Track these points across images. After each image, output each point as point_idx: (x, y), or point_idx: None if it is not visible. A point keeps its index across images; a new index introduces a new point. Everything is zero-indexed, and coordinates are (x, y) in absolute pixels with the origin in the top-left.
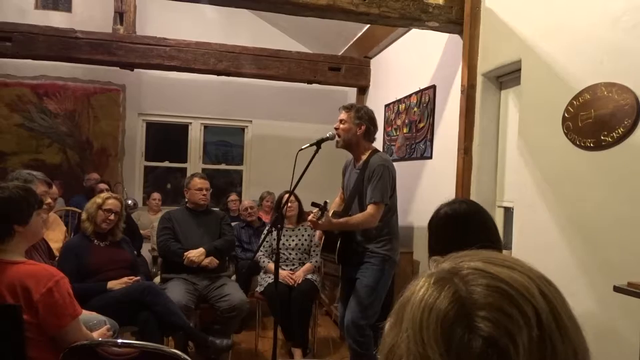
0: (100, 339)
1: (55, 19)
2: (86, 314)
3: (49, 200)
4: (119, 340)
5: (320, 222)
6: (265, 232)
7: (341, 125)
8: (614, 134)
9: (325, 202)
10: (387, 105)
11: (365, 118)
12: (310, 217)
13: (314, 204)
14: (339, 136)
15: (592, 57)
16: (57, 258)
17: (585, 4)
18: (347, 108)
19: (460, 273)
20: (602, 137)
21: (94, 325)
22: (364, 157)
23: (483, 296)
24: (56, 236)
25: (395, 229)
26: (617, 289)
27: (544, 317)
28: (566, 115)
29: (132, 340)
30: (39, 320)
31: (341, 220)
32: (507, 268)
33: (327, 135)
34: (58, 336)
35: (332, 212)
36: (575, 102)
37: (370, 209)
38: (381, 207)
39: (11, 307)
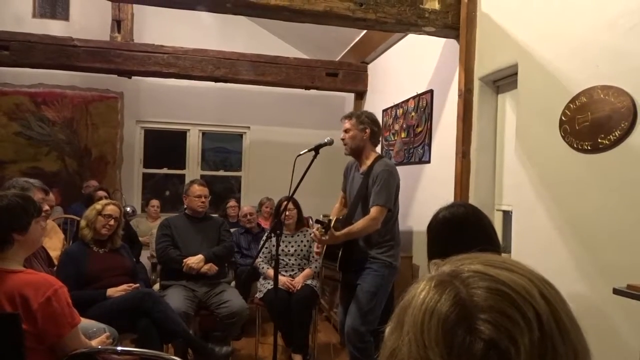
0: (99, 346)
1: (53, 28)
2: (85, 322)
3: (46, 207)
4: (119, 348)
5: (324, 239)
6: (264, 238)
7: (347, 135)
8: (611, 136)
9: (330, 220)
10: (384, 110)
11: (367, 121)
12: (314, 231)
13: (318, 222)
14: (346, 145)
15: (588, 60)
16: (56, 266)
17: (581, 8)
18: (348, 117)
19: (461, 276)
20: (599, 140)
21: (93, 334)
22: (368, 163)
23: (484, 299)
24: (54, 244)
25: (396, 235)
26: (616, 291)
27: (544, 319)
28: (563, 118)
29: (131, 347)
30: (37, 330)
31: (344, 231)
32: (507, 270)
33: (325, 140)
34: (57, 345)
35: (334, 220)
36: (571, 105)
37: (372, 211)
38: (384, 210)
39: (10, 316)
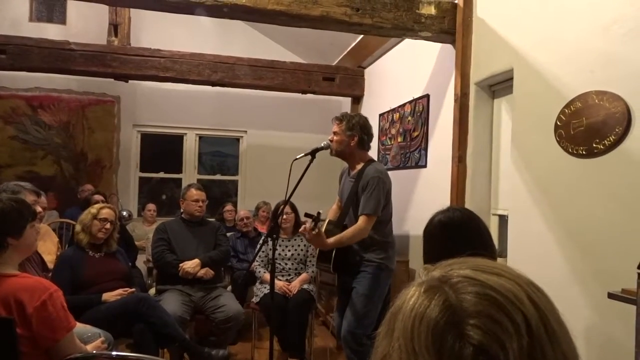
0: (94, 351)
1: (50, 31)
2: (80, 327)
3: (39, 209)
4: (114, 353)
5: (313, 232)
6: (260, 242)
7: (334, 137)
8: (605, 141)
9: (319, 213)
10: (381, 115)
11: (357, 128)
12: (304, 228)
13: (307, 215)
14: (332, 147)
15: (583, 65)
16: (50, 270)
17: (575, 14)
18: (339, 119)
19: (450, 281)
20: (594, 145)
21: (89, 338)
22: (358, 167)
23: (473, 304)
24: (48, 248)
25: (390, 237)
26: (611, 295)
27: (533, 324)
28: (558, 123)
29: (127, 352)
30: (32, 334)
31: (335, 238)
32: (496, 275)
33: (322, 144)
34: (52, 350)
35: (327, 221)
36: (566, 110)
37: (361, 220)
38: (372, 218)
39: (4, 320)
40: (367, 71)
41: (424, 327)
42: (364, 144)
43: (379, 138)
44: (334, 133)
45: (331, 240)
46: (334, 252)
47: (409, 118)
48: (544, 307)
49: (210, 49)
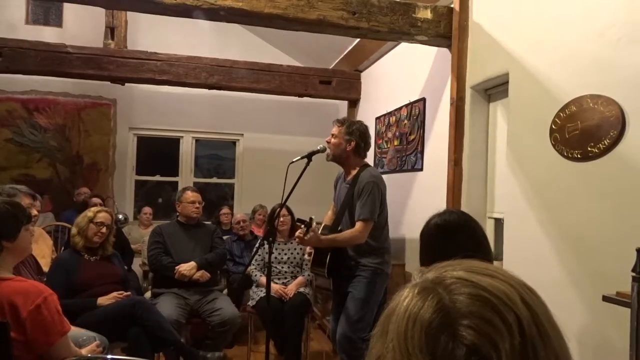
0: (89, 355)
1: (46, 34)
2: (75, 331)
3: (34, 212)
4: (109, 356)
5: (306, 238)
6: (257, 245)
7: (332, 140)
8: (600, 145)
9: (311, 218)
10: (377, 118)
11: (356, 134)
12: (297, 234)
13: (299, 221)
14: (329, 150)
15: (578, 70)
16: (45, 273)
17: (571, 19)
18: (340, 122)
19: (444, 282)
20: (588, 149)
21: (84, 342)
22: (353, 172)
23: (466, 305)
24: (42, 251)
25: (386, 242)
26: (606, 298)
27: (525, 324)
28: (553, 127)
29: (122, 356)
30: (27, 338)
31: (329, 237)
32: (489, 276)
33: (318, 147)
34: (46, 354)
35: (323, 226)
36: (562, 114)
37: (358, 225)
38: (369, 224)
39: None
40: (363, 74)
41: (418, 328)
42: (360, 151)
43: (375, 141)
44: (333, 135)
45: (325, 238)
46: (328, 256)
47: (405, 121)
48: (537, 308)
49: (207, 52)
